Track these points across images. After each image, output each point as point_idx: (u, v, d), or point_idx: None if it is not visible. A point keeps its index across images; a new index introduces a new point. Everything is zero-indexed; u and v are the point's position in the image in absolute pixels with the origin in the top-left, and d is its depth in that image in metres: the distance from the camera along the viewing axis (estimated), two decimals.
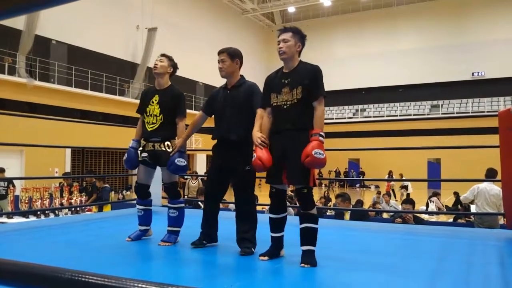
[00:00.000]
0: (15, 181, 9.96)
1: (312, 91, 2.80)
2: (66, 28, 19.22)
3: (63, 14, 18.05)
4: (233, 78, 3.31)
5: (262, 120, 2.98)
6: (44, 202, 7.64)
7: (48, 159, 16.96)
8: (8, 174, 13.09)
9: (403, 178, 21.45)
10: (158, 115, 3.48)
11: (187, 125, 3.57)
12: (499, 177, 4.50)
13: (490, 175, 6.33)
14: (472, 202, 7.05)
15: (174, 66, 3.66)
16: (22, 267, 0.75)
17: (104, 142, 14.69)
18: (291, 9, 34.12)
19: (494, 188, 6.36)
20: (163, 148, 3.45)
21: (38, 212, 7.28)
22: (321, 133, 2.73)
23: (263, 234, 3.05)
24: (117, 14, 21.71)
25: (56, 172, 17.52)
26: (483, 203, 6.38)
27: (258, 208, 4.36)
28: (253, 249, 3.10)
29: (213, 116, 3.43)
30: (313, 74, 2.84)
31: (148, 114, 3.53)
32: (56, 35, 19.37)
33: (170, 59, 3.65)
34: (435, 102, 30.73)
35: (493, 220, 6.32)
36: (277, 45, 2.93)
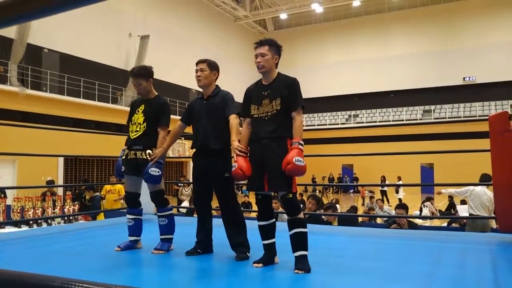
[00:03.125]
0: (7, 191, 9.88)
1: (291, 102, 2.89)
2: (58, 36, 19.18)
3: (55, 23, 18.02)
4: (210, 88, 3.41)
5: (238, 129, 3.10)
6: (37, 211, 7.58)
7: (41, 168, 16.84)
8: (0, 183, 13.02)
9: (401, 181, 21.48)
10: (141, 123, 3.52)
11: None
12: None
13: (485, 179, 6.41)
14: (463, 202, 7.17)
15: (150, 74, 3.65)
16: (12, 276, 0.75)
17: (97, 150, 14.64)
18: (283, 16, 34.29)
19: (487, 193, 6.47)
20: (144, 156, 3.47)
21: (31, 222, 7.22)
22: (301, 142, 2.82)
23: (258, 240, 3.04)
24: (110, 22, 21.69)
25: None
26: (477, 205, 6.50)
27: (253, 214, 4.36)
28: (248, 253, 3.17)
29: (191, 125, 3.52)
30: (292, 86, 2.93)
31: (133, 122, 3.57)
32: (48, 43, 19.31)
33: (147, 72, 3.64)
34: (427, 107, 30.93)
35: (485, 223, 6.42)
36: (255, 59, 3.00)
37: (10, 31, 16.78)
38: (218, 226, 3.40)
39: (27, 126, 14.68)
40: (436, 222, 10.94)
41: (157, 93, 3.67)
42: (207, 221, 3.40)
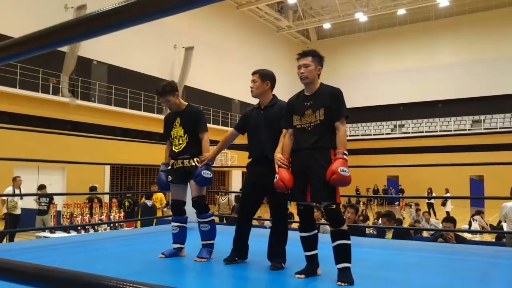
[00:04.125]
0: (57, 197, 10.28)
1: (335, 112, 2.86)
2: (106, 49, 19.91)
3: (104, 36, 18.58)
4: (265, 98, 3.42)
5: (283, 140, 3.07)
6: (85, 217, 7.84)
7: (89, 176, 17.43)
8: (50, 190, 13.56)
9: (448, 193, 20.74)
10: (183, 135, 3.59)
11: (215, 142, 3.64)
12: None
13: None
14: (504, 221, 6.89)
15: (175, 87, 3.73)
16: (71, 275, 0.80)
17: (142, 159, 14.99)
18: (327, 26, 34.11)
19: None
20: (193, 164, 3.53)
21: (79, 227, 7.47)
22: (345, 152, 2.79)
23: (298, 251, 3.01)
24: (155, 34, 22.29)
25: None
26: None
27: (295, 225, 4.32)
28: (283, 264, 3.16)
29: (245, 134, 3.54)
30: (335, 96, 2.91)
31: (173, 137, 3.64)
32: (97, 55, 20.09)
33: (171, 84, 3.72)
34: (476, 117, 29.82)
35: None
36: (298, 70, 2.99)
37: None
38: (257, 235, 3.40)
39: (77, 135, 15.26)
40: (487, 237, 10.49)
41: (186, 103, 3.74)
42: (248, 230, 3.41)
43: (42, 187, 9.55)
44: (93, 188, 11.90)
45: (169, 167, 3.66)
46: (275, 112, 3.34)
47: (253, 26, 30.99)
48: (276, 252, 3.21)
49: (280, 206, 3.33)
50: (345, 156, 2.76)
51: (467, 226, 11.77)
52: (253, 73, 3.44)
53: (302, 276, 2.86)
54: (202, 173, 3.42)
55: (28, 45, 0.92)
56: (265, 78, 3.41)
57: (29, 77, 16.70)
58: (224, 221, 9.36)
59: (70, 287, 0.79)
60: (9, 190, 8.79)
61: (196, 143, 3.58)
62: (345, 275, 2.70)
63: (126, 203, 9.51)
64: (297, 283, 2.78)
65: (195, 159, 3.54)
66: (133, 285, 0.73)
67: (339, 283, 2.67)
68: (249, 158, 3.48)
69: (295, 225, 5.90)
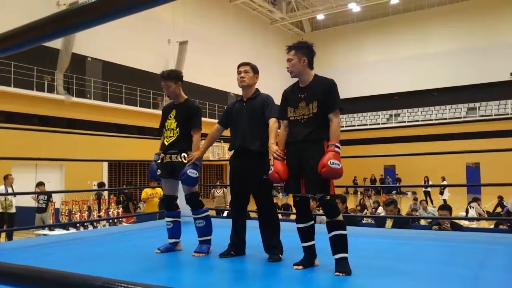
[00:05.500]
0: (55, 194, 10.28)
1: (328, 104, 2.86)
2: (100, 45, 19.82)
3: (97, 32, 18.61)
4: (250, 90, 3.46)
5: (277, 132, 3.11)
6: (83, 214, 7.85)
7: (87, 173, 17.43)
8: (49, 187, 13.56)
9: (445, 181, 20.84)
10: (175, 128, 3.58)
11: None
12: None
13: None
14: None
15: (179, 78, 3.70)
16: (56, 275, 0.80)
17: (139, 154, 14.97)
18: (320, 17, 34.04)
19: None
20: (180, 160, 3.51)
21: (78, 224, 7.48)
22: (337, 144, 2.78)
23: (296, 242, 3.04)
24: (149, 29, 22.19)
25: (94, 185, 17.99)
26: None
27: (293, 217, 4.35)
28: (280, 255, 3.19)
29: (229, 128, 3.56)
30: (328, 88, 2.90)
31: (166, 128, 3.64)
32: (91, 52, 20.00)
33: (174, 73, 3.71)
34: (471, 105, 29.88)
35: None
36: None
37: (56, 42, 17.46)
38: (250, 228, 3.42)
39: (73, 133, 15.25)
40: (484, 224, 10.57)
41: (186, 97, 3.72)
42: (242, 223, 3.43)
43: (40, 184, 9.55)
44: (101, 185, 11.96)
45: (159, 161, 3.65)
46: (257, 104, 3.38)
47: (247, 19, 30.87)
48: (272, 244, 3.23)
49: (266, 199, 3.36)
50: (336, 149, 2.75)
51: (464, 214, 11.85)
52: (244, 64, 3.47)
53: (300, 267, 2.88)
54: (188, 172, 3.38)
55: (18, 39, 0.90)
56: (256, 71, 3.48)
57: (23, 75, 16.60)
58: (222, 214, 9.39)
59: None
60: (1, 189, 8.78)
61: (187, 138, 3.56)
62: (342, 265, 2.72)
63: (121, 199, 9.54)
64: (295, 274, 2.80)
65: (182, 155, 3.51)
66: (120, 285, 0.73)
67: (337, 273, 2.69)
68: (229, 150, 3.50)
69: (293, 217, 5.94)
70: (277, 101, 3.13)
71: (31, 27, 0.86)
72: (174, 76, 3.63)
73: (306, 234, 2.96)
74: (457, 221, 6.12)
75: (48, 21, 0.83)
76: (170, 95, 3.67)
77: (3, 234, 8.76)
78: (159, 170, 3.63)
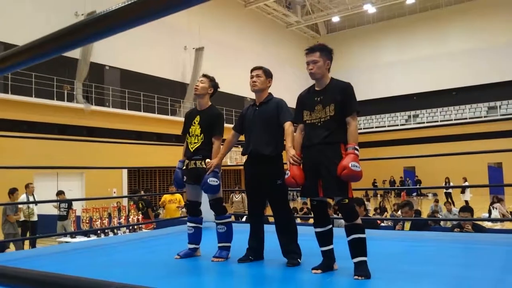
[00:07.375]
0: (76, 202, 10.43)
1: (345, 107, 2.85)
2: (117, 54, 20.08)
3: (115, 41, 18.88)
4: (262, 95, 3.45)
5: (293, 136, 3.09)
6: (104, 221, 7.95)
7: (107, 180, 17.66)
8: (70, 195, 13.77)
9: (466, 182, 20.49)
10: (199, 134, 3.60)
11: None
12: None
13: None
14: None
15: (215, 87, 3.75)
16: (71, 281, 0.82)
17: (158, 161, 15.11)
18: (335, 19, 33.89)
19: None
20: (204, 166, 3.53)
21: (98, 231, 7.58)
22: (356, 147, 2.78)
23: (314, 246, 3.02)
24: (165, 37, 22.41)
25: (114, 192, 18.22)
26: None
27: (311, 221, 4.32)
28: (299, 260, 3.17)
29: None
30: (345, 91, 2.89)
31: (190, 134, 3.65)
32: (109, 61, 20.28)
33: (211, 79, 3.74)
34: (492, 104, 29.35)
35: None
36: (307, 66, 2.98)
37: (75, 52, 17.77)
38: (268, 232, 3.41)
39: (93, 141, 15.46)
40: (508, 225, 10.36)
41: (210, 103, 3.74)
42: (260, 228, 3.42)
43: (60, 193, 9.73)
44: (136, 191, 12.22)
45: (184, 167, 3.67)
46: (269, 109, 3.37)
47: (262, 24, 30.94)
48: (291, 249, 3.21)
49: (282, 204, 3.34)
50: (356, 151, 2.75)
51: (487, 215, 11.65)
52: (256, 68, 3.46)
53: (319, 271, 2.86)
54: (208, 181, 3.40)
55: (35, 51, 0.93)
56: (269, 75, 3.46)
57: (43, 85, 16.93)
58: (241, 219, 9.41)
59: None
60: (23, 197, 8.94)
61: (211, 144, 3.58)
62: (361, 269, 2.70)
63: (140, 205, 9.63)
64: (314, 278, 2.79)
65: (206, 161, 3.53)
66: None
67: (356, 277, 2.67)
68: (242, 154, 3.50)
69: (311, 221, 5.91)
70: (291, 104, 3.12)
71: (51, 38, 0.88)
72: (212, 78, 3.70)
73: (324, 238, 2.94)
74: (479, 222, 6.00)
75: (67, 32, 0.85)
76: (198, 89, 3.65)
77: (27, 242, 8.92)
78: (184, 177, 3.66)
